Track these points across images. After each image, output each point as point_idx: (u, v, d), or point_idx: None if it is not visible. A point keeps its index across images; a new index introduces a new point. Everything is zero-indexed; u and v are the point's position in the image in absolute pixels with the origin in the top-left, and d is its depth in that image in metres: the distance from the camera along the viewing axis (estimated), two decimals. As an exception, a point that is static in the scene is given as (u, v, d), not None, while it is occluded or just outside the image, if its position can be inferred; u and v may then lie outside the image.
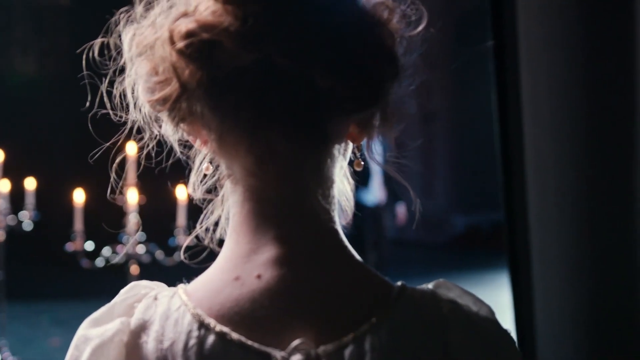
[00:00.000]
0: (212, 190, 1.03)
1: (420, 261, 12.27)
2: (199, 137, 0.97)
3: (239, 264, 0.93)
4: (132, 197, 3.99)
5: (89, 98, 1.02)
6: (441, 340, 0.92)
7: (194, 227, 1.05)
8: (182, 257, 1.09)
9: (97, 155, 1.05)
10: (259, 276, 0.91)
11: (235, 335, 0.89)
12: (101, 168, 1.06)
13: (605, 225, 2.08)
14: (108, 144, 1.05)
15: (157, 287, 0.97)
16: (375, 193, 7.95)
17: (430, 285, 0.98)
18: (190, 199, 1.06)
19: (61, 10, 12.39)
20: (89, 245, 4.33)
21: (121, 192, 1.08)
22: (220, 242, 0.99)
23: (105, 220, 1.35)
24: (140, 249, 4.23)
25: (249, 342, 0.89)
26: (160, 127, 1.01)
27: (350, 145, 1.01)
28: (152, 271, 2.44)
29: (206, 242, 1.04)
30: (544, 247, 2.18)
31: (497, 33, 2.26)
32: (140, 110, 0.99)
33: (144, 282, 0.97)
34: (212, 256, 0.99)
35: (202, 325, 0.90)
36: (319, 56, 0.89)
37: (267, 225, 0.93)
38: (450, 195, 15.22)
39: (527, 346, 2.27)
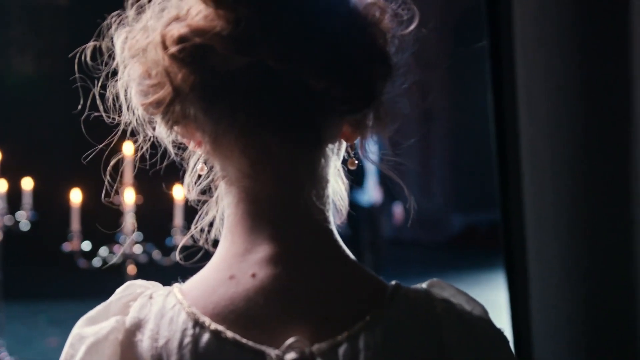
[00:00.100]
0: (207, 191, 1.03)
1: (418, 261, 12.27)
2: (193, 139, 0.98)
3: (234, 263, 0.93)
4: (129, 197, 3.99)
5: (83, 100, 1.03)
6: (435, 339, 0.93)
7: (195, 227, 1.06)
8: (177, 257, 1.09)
9: (94, 155, 1.06)
10: (253, 275, 0.92)
11: (230, 334, 0.89)
12: (98, 168, 1.06)
13: (601, 225, 2.08)
14: (102, 145, 1.05)
15: (152, 286, 0.97)
16: (371, 193, 7.95)
17: (424, 285, 0.98)
18: (187, 199, 1.06)
19: (59, 10, 12.38)
20: (86, 245, 4.34)
21: (118, 193, 1.08)
22: (215, 243, 1.00)
23: (103, 221, 1.35)
24: (137, 249, 4.23)
25: (244, 341, 0.89)
26: (154, 129, 1.01)
27: (344, 145, 1.01)
28: (149, 271, 2.44)
29: (201, 242, 1.05)
30: (541, 246, 2.18)
31: (492, 32, 2.27)
32: (133, 112, 0.99)
33: (140, 282, 0.98)
34: (208, 256, 0.99)
35: (197, 323, 0.90)
36: (312, 58, 0.89)
37: (262, 225, 0.94)
38: (448, 195, 15.22)
39: (523, 346, 2.28)
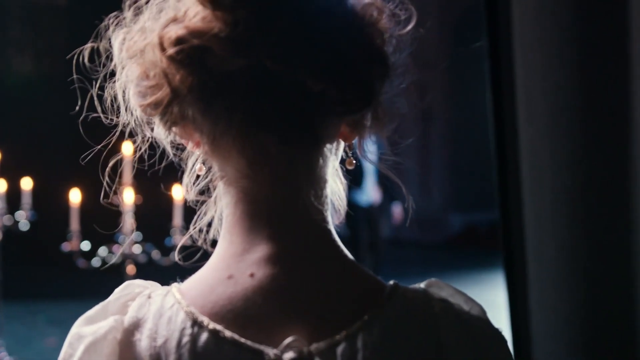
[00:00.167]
0: (205, 191, 1.03)
1: (417, 261, 12.27)
2: (192, 139, 0.98)
3: (232, 262, 0.94)
4: (128, 197, 3.99)
5: (82, 101, 1.03)
6: (433, 339, 0.93)
7: (193, 227, 1.06)
8: (176, 257, 1.09)
9: (93, 155, 1.06)
10: (252, 275, 0.92)
11: (228, 333, 0.89)
12: (98, 168, 1.06)
13: (600, 224, 2.08)
14: (100, 145, 1.05)
15: (150, 286, 0.97)
16: (370, 193, 7.95)
17: (422, 285, 0.98)
18: (186, 199, 1.07)
19: (58, 10, 12.38)
20: (85, 245, 4.34)
21: (117, 193, 1.08)
22: (214, 243, 1.00)
23: (102, 221, 1.35)
24: (137, 249, 4.23)
25: (242, 340, 0.89)
26: (152, 129, 1.01)
27: (342, 144, 1.01)
28: (149, 271, 2.44)
29: (200, 242, 1.05)
30: (540, 246, 2.18)
31: (491, 32, 2.27)
32: (132, 113, 0.99)
33: (138, 281, 0.98)
34: (207, 256, 0.99)
35: (195, 323, 0.90)
36: (310, 60, 0.89)
37: (261, 225, 0.94)
38: (447, 195, 15.22)
39: (522, 346, 2.28)
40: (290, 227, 0.94)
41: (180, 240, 1.07)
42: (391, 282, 0.96)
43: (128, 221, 4.01)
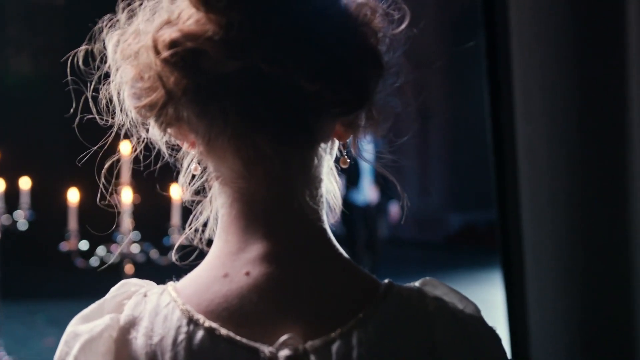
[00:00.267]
0: (201, 191, 1.03)
1: (416, 260, 12.28)
2: (187, 140, 0.98)
3: (228, 261, 0.94)
4: (126, 196, 3.98)
5: (80, 101, 1.03)
6: (427, 337, 0.93)
7: (189, 227, 1.06)
8: (173, 257, 1.10)
9: (91, 155, 1.06)
10: (247, 273, 0.93)
11: (224, 331, 0.90)
12: (97, 167, 1.06)
13: (598, 223, 2.09)
14: (96, 146, 1.05)
15: (146, 285, 0.98)
16: (366, 192, 7.95)
17: (416, 283, 0.99)
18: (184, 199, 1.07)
19: (56, 10, 12.37)
20: (84, 245, 4.33)
21: (115, 192, 1.08)
22: (210, 242, 1.00)
23: (100, 220, 1.35)
24: (135, 249, 4.23)
25: (238, 338, 0.90)
26: (147, 130, 1.01)
27: (337, 143, 1.02)
28: (147, 270, 2.44)
29: (195, 242, 1.05)
30: (537, 245, 2.19)
31: (489, 32, 2.27)
32: (127, 114, 0.99)
33: (134, 280, 0.99)
34: (205, 256, 1.00)
35: (191, 320, 0.91)
36: (304, 61, 0.89)
37: (256, 224, 0.94)
38: (446, 194, 15.23)
39: (520, 344, 2.28)
40: (286, 226, 0.95)
41: (178, 239, 1.07)
42: (386, 281, 0.97)
43: (126, 221, 4.01)
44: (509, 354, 1.92)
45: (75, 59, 1.01)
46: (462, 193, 14.41)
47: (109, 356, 0.92)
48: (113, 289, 0.97)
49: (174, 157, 1.04)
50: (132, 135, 1.02)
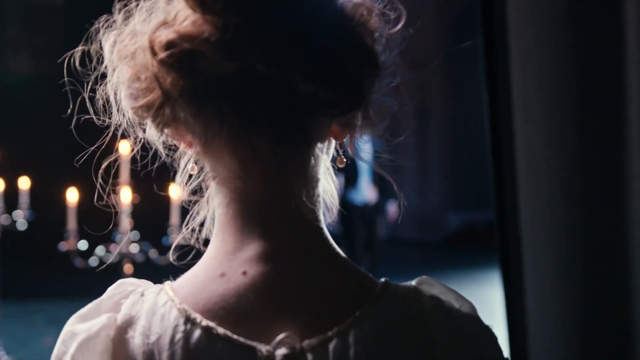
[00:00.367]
0: (198, 191, 1.04)
1: (415, 259, 12.28)
2: (184, 140, 0.99)
3: (225, 261, 0.95)
4: (125, 196, 3.99)
5: (79, 101, 1.03)
6: (424, 336, 0.94)
7: (186, 227, 1.06)
8: (171, 257, 1.10)
9: (90, 155, 1.06)
10: (244, 272, 0.93)
11: (221, 330, 0.90)
12: (95, 167, 1.06)
13: (596, 223, 2.09)
14: (94, 147, 1.05)
15: (143, 284, 0.98)
16: (365, 192, 7.95)
17: (413, 282, 0.99)
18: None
19: (55, 10, 12.37)
20: (83, 245, 4.33)
21: (114, 192, 1.08)
22: (207, 242, 1.00)
23: (99, 220, 1.35)
24: (134, 248, 4.23)
25: (235, 337, 0.90)
26: (144, 130, 1.01)
27: (333, 143, 1.02)
28: (146, 270, 2.44)
29: (192, 242, 1.05)
30: (536, 245, 2.19)
31: (487, 32, 2.27)
32: (124, 114, 1.00)
33: (131, 280, 0.99)
34: (202, 255, 1.00)
35: (188, 320, 0.91)
36: (300, 63, 0.90)
37: (253, 224, 0.95)
38: (445, 194, 15.23)
39: (518, 344, 2.28)
40: (283, 226, 0.95)
41: (176, 239, 1.07)
42: (382, 280, 0.97)
43: (125, 220, 4.01)
44: (507, 354, 1.92)
45: (76, 60, 1.01)
46: (462, 193, 14.41)
47: (106, 355, 0.92)
48: (110, 289, 0.98)
49: (171, 157, 1.04)
50: (130, 136, 1.02)
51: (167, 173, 1.08)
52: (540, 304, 2.19)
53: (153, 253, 4.30)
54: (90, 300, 0.99)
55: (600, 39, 2.04)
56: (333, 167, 1.04)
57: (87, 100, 1.02)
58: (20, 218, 5.23)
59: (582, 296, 2.10)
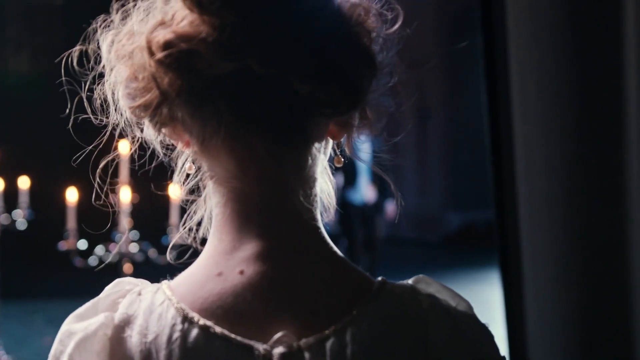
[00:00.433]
0: (195, 190, 1.04)
1: (415, 259, 12.28)
2: (181, 140, 0.99)
3: (222, 260, 0.95)
4: (125, 196, 3.99)
5: (78, 101, 1.03)
6: (420, 334, 0.94)
7: (183, 226, 1.07)
8: (168, 256, 1.10)
9: (90, 154, 1.06)
10: (241, 272, 0.93)
11: (218, 329, 0.90)
12: (95, 167, 1.06)
13: (595, 222, 2.09)
14: (91, 146, 1.05)
15: (141, 284, 0.98)
16: (364, 192, 7.95)
17: (410, 281, 1.00)
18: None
19: (55, 9, 12.37)
20: (82, 244, 4.33)
21: (114, 192, 1.09)
22: (204, 241, 1.01)
23: (99, 219, 1.35)
24: (134, 248, 4.23)
25: (232, 335, 0.90)
26: (142, 130, 1.02)
27: (331, 142, 1.02)
28: (146, 270, 2.44)
29: (189, 241, 1.06)
30: (535, 244, 2.19)
31: (486, 32, 2.27)
32: (121, 113, 1.00)
33: (128, 279, 0.99)
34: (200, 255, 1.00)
35: (185, 319, 0.91)
36: (297, 63, 0.90)
37: (250, 224, 0.95)
38: (445, 193, 15.23)
39: (517, 343, 2.28)
40: (280, 225, 0.95)
41: (176, 239, 1.08)
42: (379, 278, 0.98)
43: (125, 220, 4.01)
44: (506, 353, 1.92)
45: (74, 60, 1.01)
46: (461, 193, 14.41)
47: (103, 354, 0.92)
48: (107, 288, 0.98)
49: (169, 156, 1.05)
50: (127, 135, 1.03)
51: (167, 173, 1.08)
52: (540, 303, 2.20)
53: (152, 252, 4.31)
54: (89, 300, 0.99)
55: (599, 39, 2.04)
56: (331, 166, 1.04)
57: (85, 100, 1.02)
58: (20, 217, 5.23)
59: (581, 295, 2.10)
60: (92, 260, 4.21)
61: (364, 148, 1.06)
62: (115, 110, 1.00)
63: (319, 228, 0.98)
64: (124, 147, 1.08)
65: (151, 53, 0.91)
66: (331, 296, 0.94)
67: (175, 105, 0.94)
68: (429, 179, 15.32)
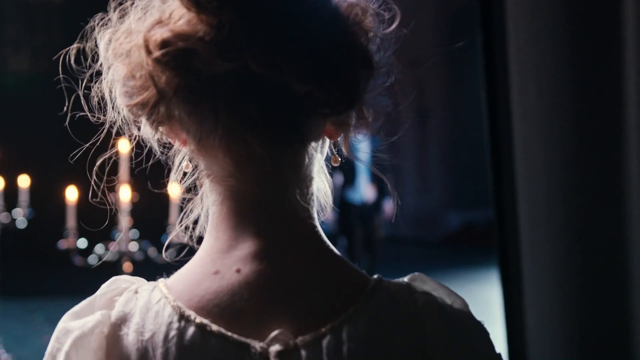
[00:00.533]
0: (192, 188, 1.04)
1: (415, 258, 12.28)
2: (178, 138, 0.99)
3: (218, 258, 0.95)
4: (124, 194, 3.99)
5: (76, 99, 1.03)
6: (416, 331, 0.94)
7: (180, 224, 1.07)
8: (164, 254, 1.10)
9: (90, 153, 1.06)
10: (238, 270, 0.93)
11: (215, 327, 0.91)
12: (94, 166, 1.07)
13: (595, 222, 2.09)
14: (88, 143, 1.06)
15: (137, 282, 0.99)
16: (363, 191, 7.94)
17: (405, 279, 1.00)
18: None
19: (55, 9, 12.36)
20: (82, 243, 4.33)
21: (113, 190, 1.09)
22: (201, 240, 1.01)
23: (98, 218, 1.35)
24: (133, 246, 4.23)
25: (229, 334, 0.90)
26: (139, 128, 1.02)
27: (328, 142, 1.02)
28: (145, 268, 2.45)
29: (185, 239, 1.06)
30: (534, 244, 2.19)
31: (486, 31, 2.27)
32: (119, 112, 1.00)
33: (125, 277, 0.99)
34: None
35: (182, 317, 0.91)
36: (294, 63, 0.90)
37: (247, 222, 0.95)
38: (445, 193, 15.24)
39: (516, 342, 2.29)
40: (277, 224, 0.95)
41: (176, 237, 1.08)
42: (375, 276, 0.98)
43: (124, 219, 4.01)
44: (506, 353, 1.93)
45: (71, 58, 1.01)
46: (461, 192, 14.41)
47: (100, 352, 0.92)
48: (104, 286, 0.98)
49: (166, 154, 1.05)
50: (125, 133, 1.03)
51: (166, 171, 1.08)
52: (539, 302, 2.20)
53: (152, 251, 4.30)
54: (88, 298, 0.99)
55: (599, 39, 2.05)
56: (330, 165, 1.04)
57: (87, 98, 1.02)
58: (20, 216, 5.23)
59: (580, 295, 2.10)
60: (92, 259, 4.21)
61: (363, 147, 1.06)
62: (113, 108, 1.00)
63: (315, 227, 0.98)
64: (124, 146, 1.08)
65: (148, 51, 0.91)
66: (327, 294, 0.94)
67: (173, 103, 0.94)
68: (429, 179, 15.32)
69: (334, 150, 1.04)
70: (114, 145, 1.06)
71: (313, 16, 0.93)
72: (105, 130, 1.03)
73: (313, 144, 0.98)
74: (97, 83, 1.01)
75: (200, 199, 1.03)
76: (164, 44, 0.90)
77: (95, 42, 0.99)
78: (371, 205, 8.08)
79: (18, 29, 12.38)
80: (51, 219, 5.27)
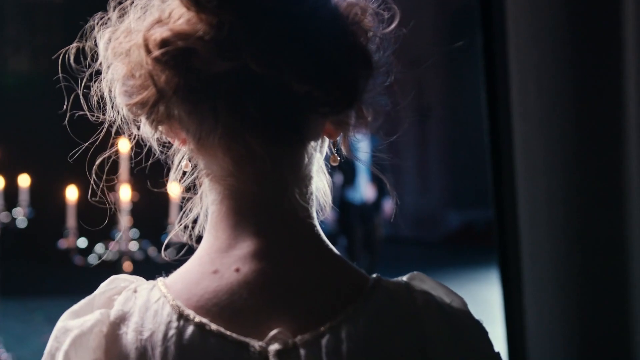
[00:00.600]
0: (192, 188, 1.04)
1: (415, 258, 12.28)
2: (178, 137, 0.99)
3: (217, 258, 0.95)
4: (124, 194, 3.99)
5: (76, 99, 1.03)
6: (415, 330, 0.94)
7: (179, 224, 1.07)
8: (163, 254, 1.10)
9: (90, 153, 1.06)
10: (237, 269, 0.93)
11: (214, 326, 0.91)
12: (94, 165, 1.07)
13: (595, 222, 2.09)
14: (88, 142, 1.06)
15: (136, 281, 0.99)
16: (363, 190, 7.94)
17: (404, 278, 1.00)
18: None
19: (54, 8, 12.37)
20: (82, 242, 4.33)
21: (113, 190, 1.09)
22: (200, 239, 1.01)
23: (98, 217, 1.35)
24: (133, 246, 4.24)
25: (228, 333, 0.90)
26: (138, 127, 1.02)
27: (327, 141, 1.02)
28: (145, 268, 2.45)
29: (185, 238, 1.06)
30: (534, 244, 2.19)
31: (486, 31, 2.27)
32: (118, 111, 1.00)
33: (124, 276, 0.99)
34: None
35: (181, 316, 0.91)
36: (294, 63, 0.90)
37: (246, 222, 0.95)
38: (445, 193, 15.24)
39: (516, 342, 2.29)
40: (276, 223, 0.95)
41: (176, 236, 1.08)
42: (374, 275, 0.98)
43: (124, 218, 4.01)
44: (505, 353, 1.93)
45: (71, 57, 1.01)
46: (461, 192, 14.42)
47: (99, 351, 0.92)
48: (103, 285, 0.98)
49: (166, 154, 1.05)
50: (124, 133, 1.03)
51: (167, 171, 1.09)
52: (539, 302, 2.20)
53: (152, 250, 4.31)
54: (88, 298, 0.99)
55: (599, 39, 2.04)
56: (330, 165, 1.04)
57: (87, 98, 1.02)
58: (20, 216, 5.23)
59: (580, 295, 2.10)
60: (92, 259, 4.21)
61: (363, 147, 1.06)
62: (113, 107, 1.00)
63: (314, 226, 0.98)
64: (123, 145, 1.08)
65: (148, 51, 0.91)
66: (327, 293, 0.94)
67: (172, 103, 0.94)
68: (429, 179, 15.32)
69: (333, 149, 1.04)
70: (113, 145, 1.06)
71: (313, 16, 0.93)
72: (104, 130, 1.03)
73: (312, 143, 0.98)
74: (96, 82, 1.01)
75: (199, 198, 1.03)
76: (163, 43, 0.90)
77: (95, 41, 0.99)
78: (371, 204, 8.08)
79: (18, 29, 12.38)
80: (51, 219, 5.27)
